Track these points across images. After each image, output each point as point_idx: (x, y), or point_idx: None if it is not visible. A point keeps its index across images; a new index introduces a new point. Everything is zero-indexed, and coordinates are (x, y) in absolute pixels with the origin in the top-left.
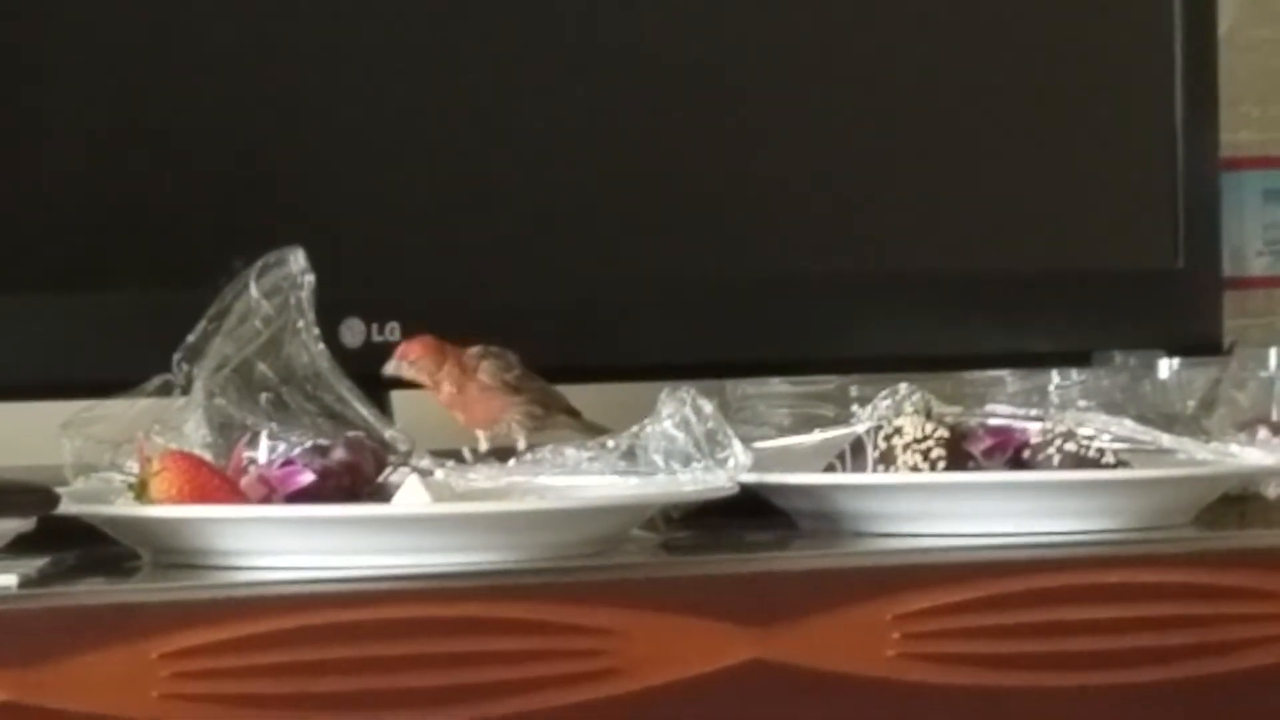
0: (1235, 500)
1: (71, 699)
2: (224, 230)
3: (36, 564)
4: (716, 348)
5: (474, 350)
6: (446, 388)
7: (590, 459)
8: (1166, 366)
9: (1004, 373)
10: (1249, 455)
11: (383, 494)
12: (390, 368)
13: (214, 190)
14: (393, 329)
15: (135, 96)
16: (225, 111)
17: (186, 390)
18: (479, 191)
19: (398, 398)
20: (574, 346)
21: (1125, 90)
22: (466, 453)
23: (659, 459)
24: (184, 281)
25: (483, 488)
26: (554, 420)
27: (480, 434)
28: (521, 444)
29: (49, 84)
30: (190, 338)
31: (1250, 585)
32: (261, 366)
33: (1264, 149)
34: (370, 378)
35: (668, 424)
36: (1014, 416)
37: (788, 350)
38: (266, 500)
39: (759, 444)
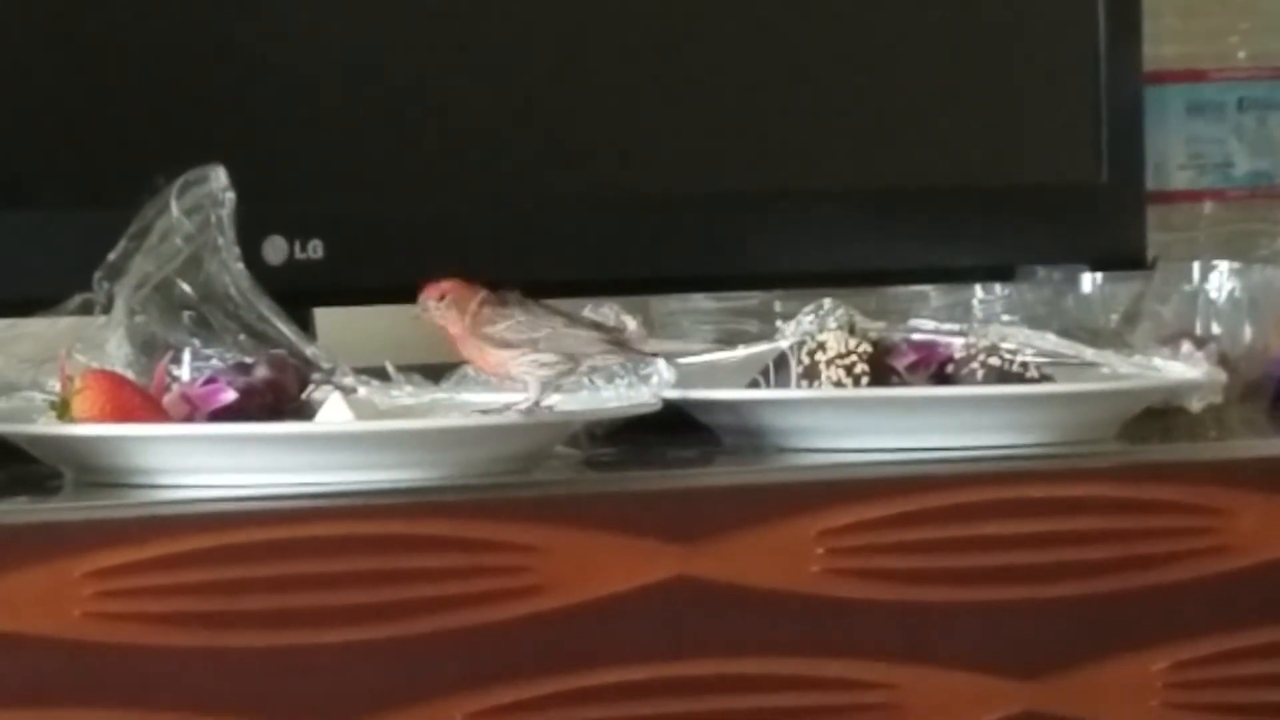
0: (1159, 414)
1: None
2: (145, 147)
3: None
4: (640, 263)
5: (480, 297)
6: (459, 335)
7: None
8: (1090, 281)
9: (927, 288)
10: (1172, 369)
11: (305, 412)
12: (419, 308)
13: (135, 107)
14: (315, 247)
15: (56, 14)
16: (147, 27)
17: (108, 309)
18: (403, 108)
19: (321, 315)
20: (499, 263)
21: (1048, 4)
22: (391, 369)
23: (583, 375)
24: (104, 199)
25: (406, 405)
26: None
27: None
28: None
29: None
30: (111, 256)
31: (1174, 499)
32: (183, 285)
33: (1187, 62)
34: (293, 295)
35: None
36: (937, 331)
37: (712, 266)
38: (189, 418)
39: (683, 360)
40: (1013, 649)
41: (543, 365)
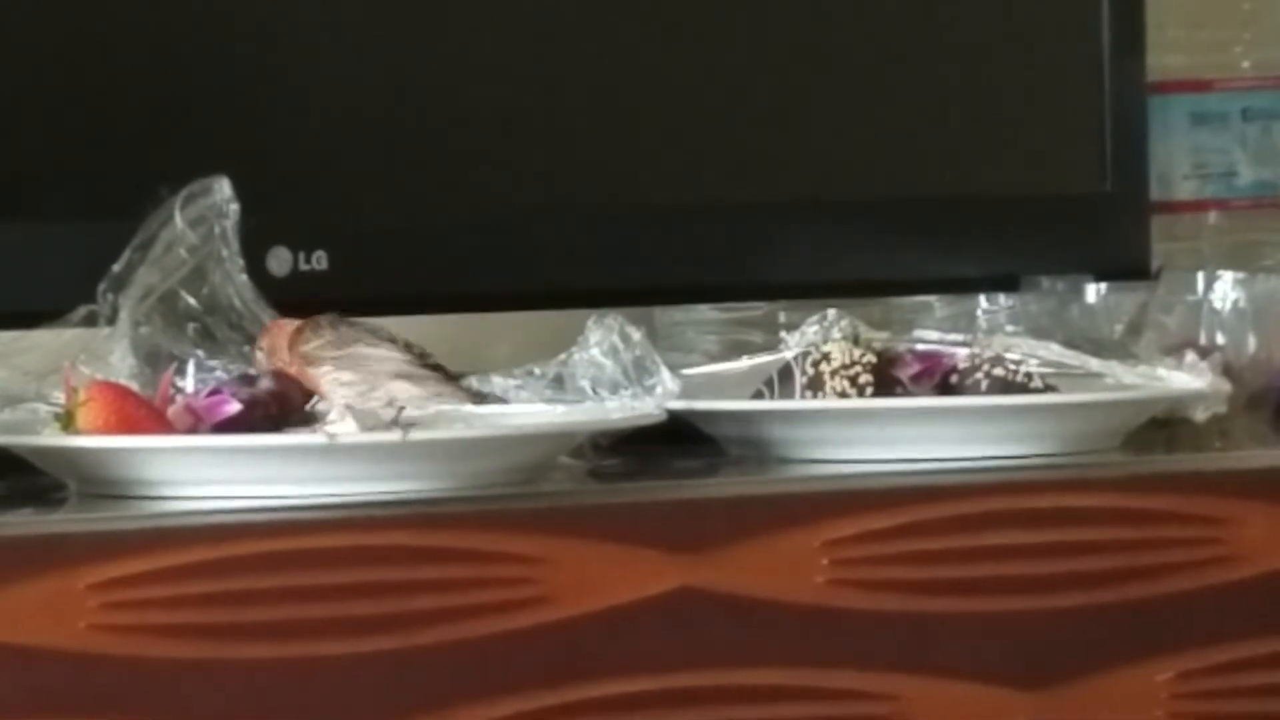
0: (1163, 424)
1: None
2: (150, 159)
3: None
4: (644, 274)
5: (299, 324)
6: (287, 362)
7: (518, 386)
8: (1094, 291)
9: (932, 298)
10: (1176, 379)
11: (310, 423)
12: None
13: (139, 118)
14: (319, 258)
15: (59, 27)
16: (151, 38)
17: (112, 320)
18: (405, 119)
19: None
20: (502, 273)
21: (1052, 14)
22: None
23: (587, 386)
24: (109, 211)
25: (410, 416)
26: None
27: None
28: (335, 415)
29: None
30: (115, 267)
31: (1178, 509)
32: (187, 296)
33: (1191, 73)
34: (297, 306)
35: (595, 351)
36: (942, 342)
37: (716, 276)
38: (193, 430)
39: (687, 371)
40: (1017, 659)
41: (342, 384)
